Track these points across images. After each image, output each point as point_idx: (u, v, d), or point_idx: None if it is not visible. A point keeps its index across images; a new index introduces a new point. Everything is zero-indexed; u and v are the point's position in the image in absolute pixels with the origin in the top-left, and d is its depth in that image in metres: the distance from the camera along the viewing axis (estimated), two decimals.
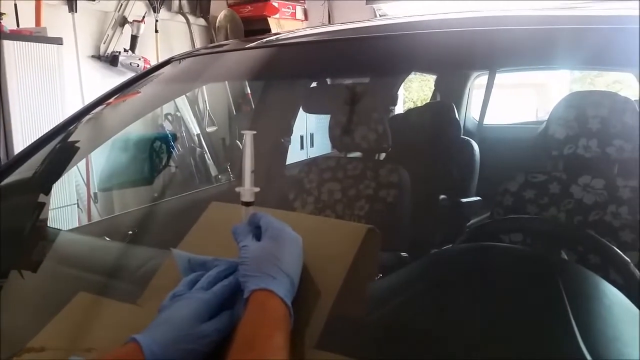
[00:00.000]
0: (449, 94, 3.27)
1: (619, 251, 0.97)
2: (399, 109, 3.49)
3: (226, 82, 3.89)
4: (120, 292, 0.87)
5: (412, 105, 5.06)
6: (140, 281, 0.83)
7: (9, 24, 2.95)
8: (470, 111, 3.50)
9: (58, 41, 3.04)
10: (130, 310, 0.77)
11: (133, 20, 3.82)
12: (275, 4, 4.66)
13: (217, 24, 4.56)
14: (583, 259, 1.18)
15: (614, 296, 0.72)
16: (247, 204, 0.74)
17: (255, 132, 0.76)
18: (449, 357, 0.65)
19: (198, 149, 4.11)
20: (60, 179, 1.43)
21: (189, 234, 0.85)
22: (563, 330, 0.63)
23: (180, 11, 4.39)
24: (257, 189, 0.74)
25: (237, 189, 0.75)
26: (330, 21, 4.95)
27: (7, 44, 2.75)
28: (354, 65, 1.32)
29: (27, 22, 3.15)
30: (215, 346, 0.61)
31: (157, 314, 0.63)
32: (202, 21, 4.62)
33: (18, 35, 2.89)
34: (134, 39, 3.85)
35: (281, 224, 0.70)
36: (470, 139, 2.52)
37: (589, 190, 1.37)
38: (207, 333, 0.60)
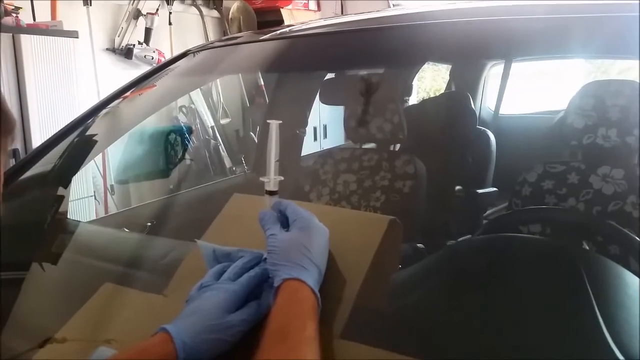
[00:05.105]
0: (465, 83, 3.24)
1: None
2: (414, 99, 3.47)
3: (240, 74, 3.90)
4: (145, 283, 0.88)
5: (425, 96, 5.03)
6: (165, 272, 0.84)
7: (26, 19, 2.98)
8: (486, 101, 3.47)
9: (74, 34, 3.06)
10: (157, 300, 0.78)
11: (147, 13, 3.83)
12: None
13: (230, 16, 4.56)
14: (603, 249, 1.17)
15: (636, 286, 0.72)
16: (272, 193, 0.75)
17: (280, 121, 0.76)
18: (472, 347, 0.65)
19: (212, 141, 4.12)
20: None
21: (212, 226, 0.86)
22: (588, 319, 0.63)
23: (194, 3, 4.39)
24: (282, 178, 0.75)
25: (261, 178, 0.75)
26: (343, 11, 4.92)
27: (24, 38, 2.78)
28: (368, 56, 1.32)
29: (43, 16, 3.18)
30: (242, 336, 0.62)
31: (185, 305, 0.64)
32: (215, 13, 4.62)
33: (35, 29, 2.93)
34: (148, 31, 3.87)
35: (309, 214, 0.70)
36: (486, 129, 2.50)
37: (608, 180, 1.36)
38: (235, 323, 0.61)
